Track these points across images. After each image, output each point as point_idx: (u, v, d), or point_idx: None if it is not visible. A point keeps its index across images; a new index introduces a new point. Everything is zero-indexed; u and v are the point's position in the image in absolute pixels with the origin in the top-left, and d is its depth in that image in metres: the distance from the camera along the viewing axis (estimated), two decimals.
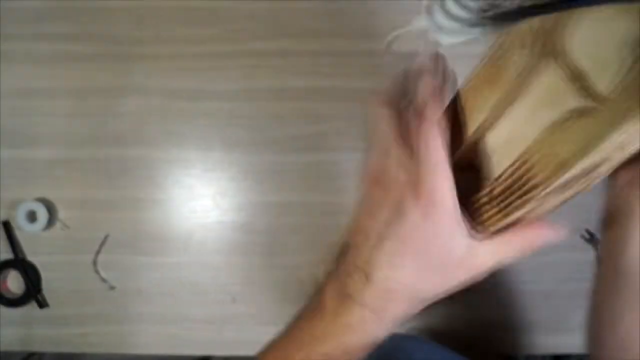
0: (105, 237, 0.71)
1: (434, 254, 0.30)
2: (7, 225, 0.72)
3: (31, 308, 0.72)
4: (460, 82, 0.35)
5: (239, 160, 0.72)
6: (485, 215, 0.31)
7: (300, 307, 0.36)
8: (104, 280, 0.72)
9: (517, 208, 0.29)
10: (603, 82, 0.24)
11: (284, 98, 0.71)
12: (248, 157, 0.72)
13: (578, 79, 0.26)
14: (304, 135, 0.71)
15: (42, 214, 0.70)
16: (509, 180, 0.29)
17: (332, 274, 0.34)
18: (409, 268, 0.30)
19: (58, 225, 0.71)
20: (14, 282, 0.73)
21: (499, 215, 0.30)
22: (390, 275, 0.31)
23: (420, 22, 0.58)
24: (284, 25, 0.71)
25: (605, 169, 0.26)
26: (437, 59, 0.34)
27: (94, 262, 0.72)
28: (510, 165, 0.29)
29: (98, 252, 0.72)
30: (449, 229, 0.29)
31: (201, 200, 0.72)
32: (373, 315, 0.32)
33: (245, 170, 0.72)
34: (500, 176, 0.30)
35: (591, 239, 0.67)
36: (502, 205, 0.30)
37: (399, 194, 0.30)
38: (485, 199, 0.31)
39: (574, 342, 0.72)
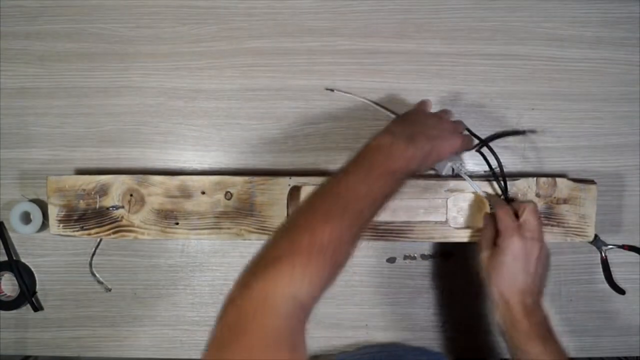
0: (101, 239, 0.70)
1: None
2: (1, 227, 0.71)
3: (26, 311, 0.72)
4: None
5: (237, 160, 0.71)
6: None
7: (357, 151, 0.53)
8: (99, 282, 0.71)
9: None
10: None
11: (282, 98, 0.71)
12: (246, 157, 0.71)
13: None
14: (302, 135, 0.71)
15: (37, 216, 0.69)
16: None
17: (390, 130, 0.55)
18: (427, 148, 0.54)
19: None
20: (8, 285, 0.72)
21: None
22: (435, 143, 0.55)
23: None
24: (282, 24, 0.71)
25: None
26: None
27: (90, 264, 0.71)
28: None
29: (93, 254, 0.71)
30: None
31: None
32: (423, 155, 0.53)
33: (242, 170, 0.71)
34: None
35: (595, 241, 0.66)
36: None
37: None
38: None
39: (576, 344, 0.71)
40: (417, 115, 0.61)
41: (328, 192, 0.49)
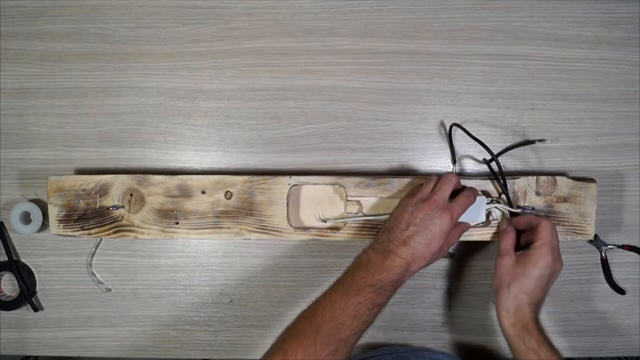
0: (101, 239, 0.70)
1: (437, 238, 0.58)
2: (1, 227, 0.71)
3: (26, 311, 0.72)
4: None
5: (237, 160, 0.71)
6: None
7: (345, 269, 0.57)
8: (99, 282, 0.71)
9: None
10: None
11: (282, 98, 0.71)
12: (246, 157, 0.71)
13: None
14: (302, 135, 0.71)
15: (37, 216, 0.69)
16: None
17: (372, 246, 0.58)
18: (424, 246, 0.57)
19: None
20: (8, 285, 0.72)
21: None
22: (416, 247, 0.57)
23: None
24: (282, 24, 0.71)
25: None
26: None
27: (89, 264, 0.71)
28: None
29: (93, 254, 0.71)
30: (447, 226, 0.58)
31: None
32: (405, 264, 0.56)
33: (242, 170, 0.71)
34: None
35: (595, 241, 0.66)
36: None
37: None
38: None
39: (576, 344, 0.71)
40: (400, 214, 0.59)
41: (307, 314, 0.54)
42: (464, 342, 0.72)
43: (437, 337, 0.72)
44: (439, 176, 0.61)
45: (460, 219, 0.60)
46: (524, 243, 0.62)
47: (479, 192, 0.64)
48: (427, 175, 0.68)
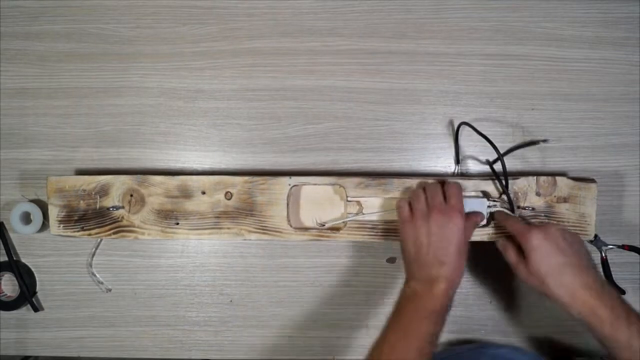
0: (101, 239, 0.71)
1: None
2: (1, 227, 0.71)
3: (26, 311, 0.72)
4: None
5: (237, 160, 0.71)
6: None
7: (391, 310, 0.57)
8: (99, 282, 0.71)
9: None
10: None
11: (282, 98, 0.71)
12: (246, 157, 0.71)
13: None
14: (302, 135, 0.71)
15: (37, 216, 0.69)
16: None
17: (411, 277, 0.58)
18: (455, 254, 0.57)
19: None
20: (8, 285, 0.72)
21: None
22: (451, 261, 0.56)
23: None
24: (282, 24, 0.71)
25: None
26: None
27: (90, 264, 0.71)
28: None
29: (93, 254, 0.71)
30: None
31: None
32: (451, 283, 0.56)
33: (242, 170, 0.71)
34: None
35: (595, 241, 0.66)
36: None
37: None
38: None
39: (577, 344, 0.71)
40: (415, 238, 0.58)
41: None
42: (464, 342, 0.72)
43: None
44: (414, 191, 0.61)
45: None
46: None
47: (460, 184, 0.63)
48: (427, 176, 0.68)
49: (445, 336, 0.71)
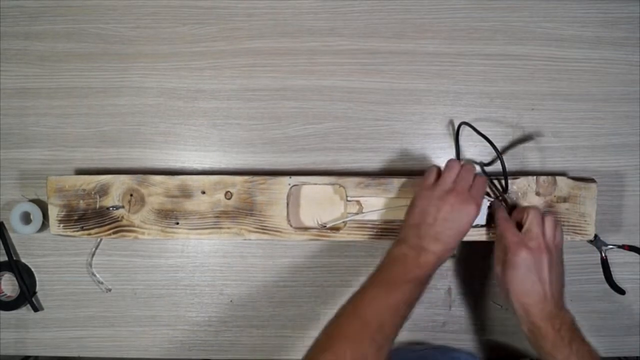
0: (101, 239, 0.70)
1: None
2: (1, 227, 0.71)
3: (26, 311, 0.72)
4: None
5: (237, 160, 0.71)
6: None
7: (379, 263, 0.58)
8: (99, 282, 0.71)
9: None
10: None
11: (282, 98, 0.71)
12: (246, 157, 0.71)
13: None
14: (302, 135, 0.71)
15: (37, 216, 0.69)
16: None
17: (404, 240, 0.58)
18: (453, 239, 0.58)
19: None
20: (8, 285, 0.72)
21: None
22: (447, 242, 0.57)
23: None
24: (282, 24, 0.71)
25: None
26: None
27: (90, 264, 0.71)
28: None
29: (93, 254, 0.71)
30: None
31: None
32: (438, 260, 0.56)
33: (242, 170, 0.71)
34: None
35: (595, 241, 0.66)
36: None
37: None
38: None
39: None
40: (425, 208, 0.58)
41: (349, 311, 0.54)
42: (464, 342, 0.72)
43: (437, 337, 0.72)
44: (452, 164, 0.61)
45: None
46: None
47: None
48: None
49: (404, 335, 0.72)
